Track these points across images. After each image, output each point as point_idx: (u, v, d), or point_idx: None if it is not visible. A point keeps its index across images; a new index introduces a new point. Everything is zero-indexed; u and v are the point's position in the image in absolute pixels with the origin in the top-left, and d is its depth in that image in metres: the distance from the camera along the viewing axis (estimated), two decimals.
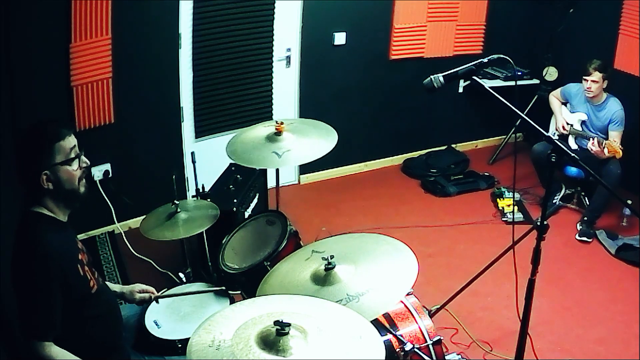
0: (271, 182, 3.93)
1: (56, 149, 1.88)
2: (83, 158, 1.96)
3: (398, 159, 5.33)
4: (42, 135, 1.91)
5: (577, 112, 4.33)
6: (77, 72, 3.55)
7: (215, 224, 2.75)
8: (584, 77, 4.12)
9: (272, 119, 4.33)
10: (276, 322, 1.43)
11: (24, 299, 1.83)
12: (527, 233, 2.78)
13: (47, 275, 1.81)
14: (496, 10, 5.15)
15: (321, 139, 2.75)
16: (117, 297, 2.32)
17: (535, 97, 5.13)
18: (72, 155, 1.91)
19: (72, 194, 1.94)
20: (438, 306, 3.18)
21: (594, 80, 4.06)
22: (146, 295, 2.34)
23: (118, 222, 4.06)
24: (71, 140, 1.93)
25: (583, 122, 4.30)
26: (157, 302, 2.40)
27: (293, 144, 2.71)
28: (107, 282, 2.30)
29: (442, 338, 2.34)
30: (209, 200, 3.11)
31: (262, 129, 2.83)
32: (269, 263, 2.47)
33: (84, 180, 1.97)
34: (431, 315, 2.97)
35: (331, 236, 2.37)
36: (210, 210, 2.83)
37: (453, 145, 5.50)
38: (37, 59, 3.38)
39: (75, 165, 1.92)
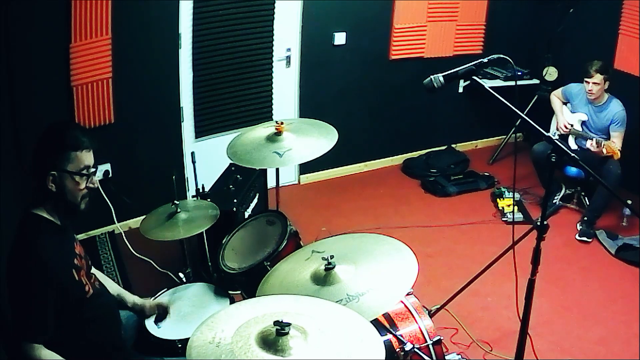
0: (271, 182, 3.93)
1: (71, 156, 1.86)
2: (94, 179, 1.94)
3: (398, 159, 5.33)
4: (62, 136, 1.89)
5: (577, 112, 4.33)
6: (77, 72, 3.55)
7: (215, 224, 2.75)
8: (586, 79, 4.09)
9: (272, 119, 4.35)
10: (276, 322, 1.43)
11: (17, 300, 1.83)
12: (527, 233, 2.77)
13: (43, 279, 1.80)
14: (496, 10, 5.15)
15: (322, 137, 2.74)
16: (136, 311, 2.35)
17: (535, 97, 5.14)
18: (84, 172, 1.90)
19: (72, 206, 1.92)
20: (438, 306, 3.17)
21: (595, 83, 4.04)
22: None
23: (118, 222, 4.06)
24: (89, 158, 1.91)
25: (583, 123, 4.29)
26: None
27: (294, 143, 2.70)
28: (125, 292, 2.34)
29: (442, 338, 2.34)
30: (209, 200, 3.11)
31: (262, 130, 2.83)
32: (269, 263, 2.47)
33: (87, 199, 1.96)
34: (431, 315, 2.97)
35: (331, 236, 2.36)
36: (210, 210, 2.82)
37: (453, 145, 5.50)
38: (37, 59, 3.38)
39: (83, 183, 1.90)
